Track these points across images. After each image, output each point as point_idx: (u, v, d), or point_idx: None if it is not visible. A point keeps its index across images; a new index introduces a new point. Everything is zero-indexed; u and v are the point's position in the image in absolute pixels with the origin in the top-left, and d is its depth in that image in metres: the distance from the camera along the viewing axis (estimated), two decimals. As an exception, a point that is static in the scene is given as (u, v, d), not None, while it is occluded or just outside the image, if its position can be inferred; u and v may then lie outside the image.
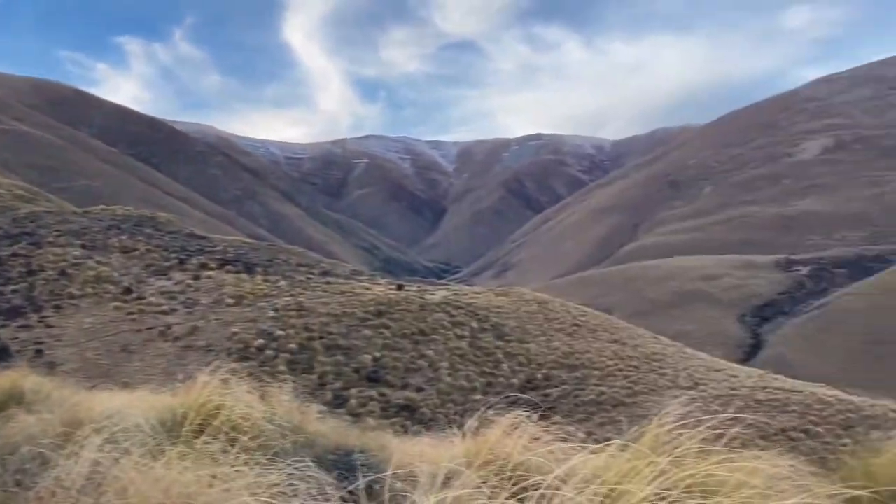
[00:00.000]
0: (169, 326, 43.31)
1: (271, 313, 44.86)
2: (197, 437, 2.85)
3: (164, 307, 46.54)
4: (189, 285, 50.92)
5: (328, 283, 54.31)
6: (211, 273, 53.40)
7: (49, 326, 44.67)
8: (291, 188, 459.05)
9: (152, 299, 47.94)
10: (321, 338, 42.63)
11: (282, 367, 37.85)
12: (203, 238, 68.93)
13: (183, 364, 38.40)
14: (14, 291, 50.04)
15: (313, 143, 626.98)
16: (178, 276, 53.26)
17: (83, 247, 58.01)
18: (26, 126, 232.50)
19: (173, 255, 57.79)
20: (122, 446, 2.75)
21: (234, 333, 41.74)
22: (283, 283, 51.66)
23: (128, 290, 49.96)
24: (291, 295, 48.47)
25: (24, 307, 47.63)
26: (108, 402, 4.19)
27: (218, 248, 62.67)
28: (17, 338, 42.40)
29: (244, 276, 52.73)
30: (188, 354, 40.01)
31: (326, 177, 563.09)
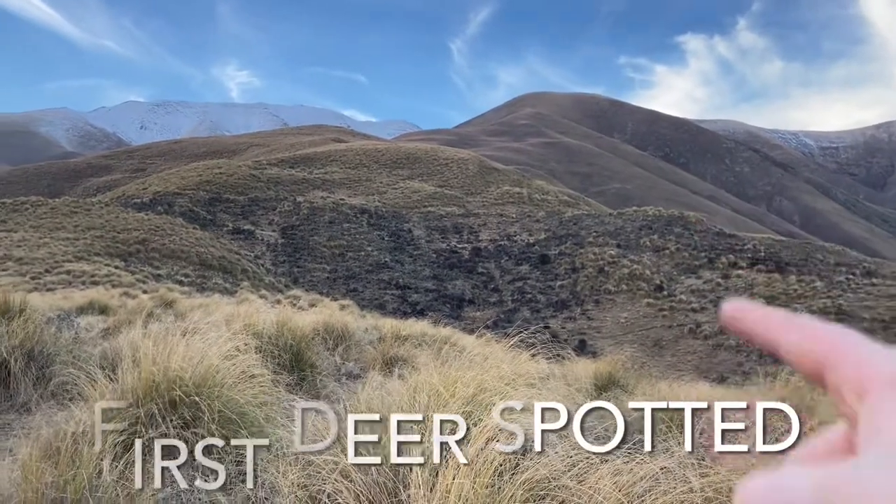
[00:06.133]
0: (699, 324, 44.00)
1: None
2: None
3: (694, 305, 47.40)
4: (718, 284, 50.93)
5: (872, 284, 48.78)
6: (741, 272, 52.57)
7: (590, 319, 49.32)
8: (826, 180, 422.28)
9: (682, 297, 49.25)
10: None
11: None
12: (732, 236, 68.08)
13: (714, 363, 38.62)
14: (561, 287, 56.56)
15: (851, 130, 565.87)
16: (707, 274, 53.72)
17: (618, 246, 62.55)
18: (569, 138, 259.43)
19: (702, 254, 58.42)
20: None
21: (766, 335, 40.37)
22: (818, 283, 48.09)
23: (659, 288, 52.28)
24: (829, 297, 44.86)
25: (569, 301, 53.51)
26: (693, 393, 4.65)
27: (747, 247, 61.26)
28: (564, 328, 47.82)
29: (776, 275, 50.58)
30: (718, 353, 40.04)
31: (868, 166, 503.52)
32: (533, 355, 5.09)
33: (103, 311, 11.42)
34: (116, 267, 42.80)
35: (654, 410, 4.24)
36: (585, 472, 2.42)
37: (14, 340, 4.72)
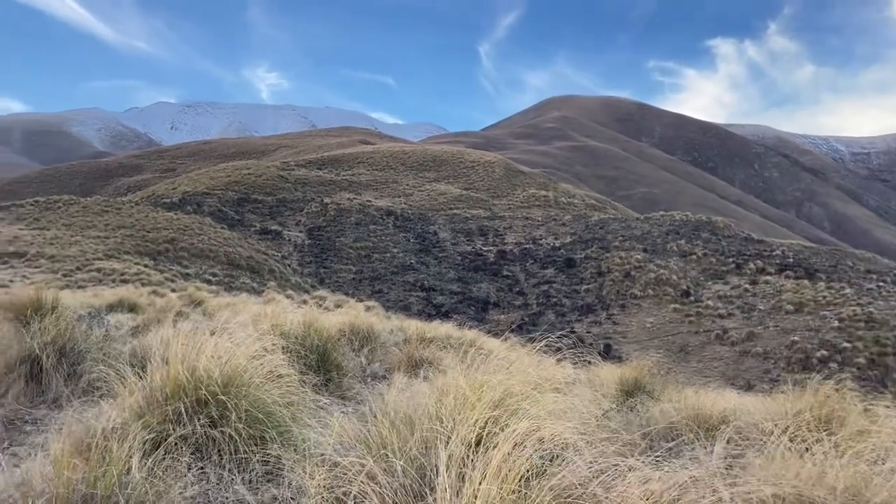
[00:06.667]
0: (725, 330, 43.56)
1: (835, 323, 41.58)
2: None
3: (721, 311, 46.94)
4: (746, 290, 50.40)
5: (905, 292, 48.03)
6: (769, 278, 51.96)
7: (615, 324, 49.03)
8: (857, 186, 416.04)
9: (709, 303, 48.79)
10: (896, 354, 37.96)
11: (849, 384, 34.73)
12: (760, 242, 67.35)
13: (740, 369, 38.22)
14: (587, 291, 56.30)
15: (884, 136, 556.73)
16: (734, 280, 53.18)
17: (645, 250, 62.12)
18: (595, 141, 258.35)
19: (730, 260, 57.84)
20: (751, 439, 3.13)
21: (794, 342, 39.87)
22: (848, 290, 47.40)
23: (686, 293, 51.83)
24: (859, 304, 44.18)
25: (594, 305, 53.23)
26: (720, 401, 4.60)
27: (776, 253, 60.56)
28: (589, 332, 47.59)
29: (805, 282, 49.92)
30: (745, 360, 39.63)
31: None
32: (559, 360, 5.07)
33: (133, 309, 11.56)
34: (146, 265, 43.32)
35: (682, 418, 4.21)
36: (613, 480, 2.39)
37: (46, 337, 4.79)
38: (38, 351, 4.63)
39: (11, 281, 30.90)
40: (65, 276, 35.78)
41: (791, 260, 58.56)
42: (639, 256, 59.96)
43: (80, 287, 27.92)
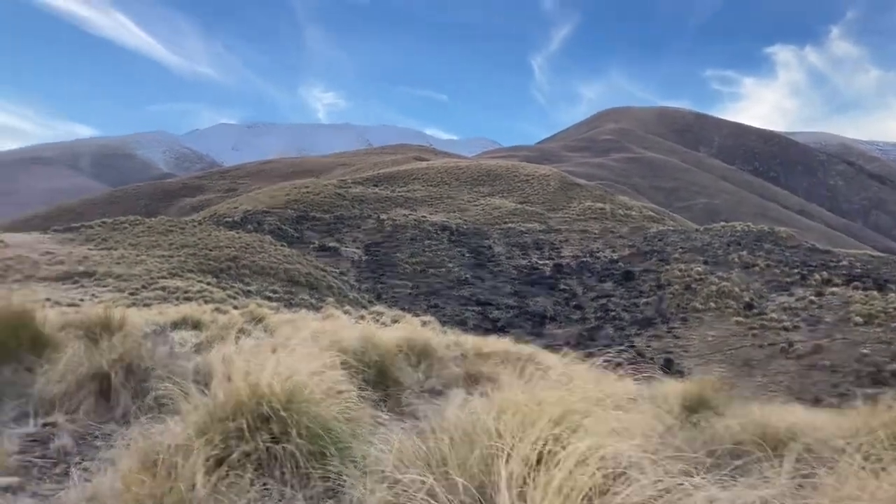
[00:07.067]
0: (791, 343, 42.32)
1: (909, 336, 40.09)
2: None
3: (786, 323, 45.65)
4: (812, 301, 48.92)
5: (984, 303, 45.97)
6: (835, 289, 50.37)
7: (676, 337, 48.10)
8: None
9: (773, 315, 47.51)
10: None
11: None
12: (825, 252, 65.43)
13: (807, 383, 37.06)
14: (646, 304, 55.42)
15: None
16: (799, 291, 51.72)
17: (705, 262, 60.92)
18: (652, 152, 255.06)
19: (794, 271, 56.33)
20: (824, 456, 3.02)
21: (864, 355, 38.50)
22: (922, 302, 45.66)
23: (749, 306, 50.58)
24: (934, 316, 42.51)
25: (654, 318, 52.35)
26: (787, 416, 4.47)
27: (842, 263, 58.72)
28: (649, 346, 46.79)
29: (874, 293, 48.23)
30: (812, 374, 38.40)
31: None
32: (619, 375, 4.99)
33: (196, 326, 11.80)
34: (209, 283, 44.31)
35: (747, 434, 4.10)
36: (679, 500, 2.33)
37: (114, 354, 4.93)
38: (106, 368, 4.76)
39: (81, 300, 31.97)
40: (131, 294, 36.85)
41: (859, 270, 56.70)
42: (699, 268, 58.85)
43: (145, 305, 28.71)
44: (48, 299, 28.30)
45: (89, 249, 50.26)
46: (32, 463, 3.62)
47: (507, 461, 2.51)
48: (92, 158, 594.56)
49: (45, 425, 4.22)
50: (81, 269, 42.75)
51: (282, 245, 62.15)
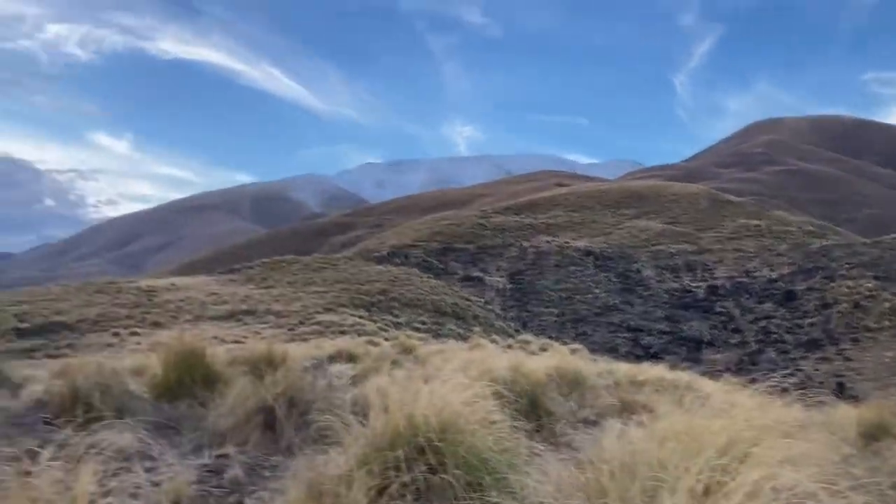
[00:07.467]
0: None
1: None
2: None
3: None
4: None
5: None
6: None
7: (847, 360, 44.73)
8: None
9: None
10: None
11: None
12: None
13: None
14: (811, 325, 51.98)
15: None
16: None
17: (876, 278, 56.47)
18: (809, 164, 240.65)
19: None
20: None
21: None
22: None
23: (930, 323, 46.32)
24: None
25: (821, 340, 48.97)
26: None
27: None
28: (817, 370, 43.79)
29: None
30: None
31: None
32: (786, 401, 4.69)
33: (351, 358, 12.23)
34: (361, 316, 45.86)
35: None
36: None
37: (278, 388, 5.20)
38: (271, 401, 5.02)
39: (245, 337, 33.95)
40: (290, 329, 38.76)
41: None
42: (870, 285, 54.62)
43: (303, 339, 30.07)
44: (215, 337, 30.30)
45: (250, 289, 53.43)
46: (209, 492, 3.86)
47: (671, 493, 2.41)
48: (251, 203, 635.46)
49: (218, 457, 4.49)
50: (244, 307, 45.46)
51: (428, 277, 63.44)
